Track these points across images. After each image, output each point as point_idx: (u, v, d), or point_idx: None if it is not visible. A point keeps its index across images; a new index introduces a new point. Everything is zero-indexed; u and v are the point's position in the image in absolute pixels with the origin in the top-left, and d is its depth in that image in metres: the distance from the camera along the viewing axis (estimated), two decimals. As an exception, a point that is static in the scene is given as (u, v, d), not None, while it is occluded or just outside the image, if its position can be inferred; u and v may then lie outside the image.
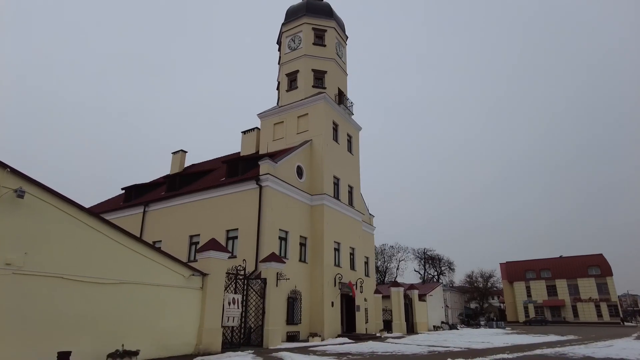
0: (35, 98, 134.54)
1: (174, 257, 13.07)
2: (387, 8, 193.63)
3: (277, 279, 17.07)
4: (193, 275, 13.33)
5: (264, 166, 20.73)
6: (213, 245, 14.07)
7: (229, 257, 19.70)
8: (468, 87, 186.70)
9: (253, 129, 29.23)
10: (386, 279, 67.35)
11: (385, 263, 69.48)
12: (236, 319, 14.92)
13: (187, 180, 25.69)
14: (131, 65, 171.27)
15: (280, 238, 21.00)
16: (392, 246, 70.27)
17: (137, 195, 27.91)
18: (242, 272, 16.01)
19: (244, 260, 16.18)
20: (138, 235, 25.16)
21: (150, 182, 28.43)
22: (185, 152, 34.01)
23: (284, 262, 17.51)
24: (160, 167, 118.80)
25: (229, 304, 14.78)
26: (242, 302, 15.45)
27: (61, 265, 9.71)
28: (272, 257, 17.13)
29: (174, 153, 33.93)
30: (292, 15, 30.21)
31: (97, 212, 29.41)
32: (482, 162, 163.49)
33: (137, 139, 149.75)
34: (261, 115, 28.47)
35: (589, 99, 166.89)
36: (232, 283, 15.42)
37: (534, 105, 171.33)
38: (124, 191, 29.23)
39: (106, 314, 10.53)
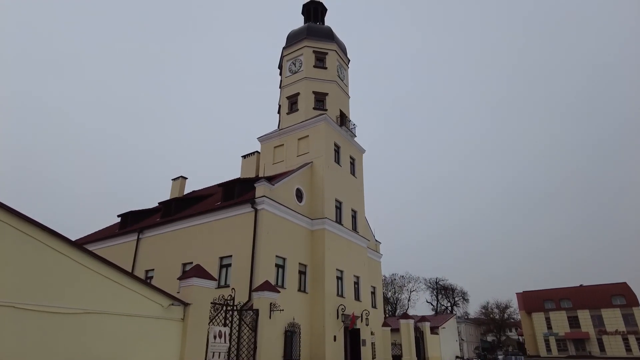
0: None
1: (151, 285, 11.82)
2: (395, 20, 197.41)
3: (271, 310, 15.61)
4: (173, 304, 12.01)
5: (260, 188, 19.69)
6: (197, 271, 12.82)
7: (219, 286, 18.56)
8: (469, 90, 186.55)
9: (253, 153, 28.47)
10: (397, 311, 64.44)
11: (396, 294, 66.73)
12: (222, 354, 13.42)
13: (183, 205, 24.73)
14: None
15: (278, 265, 19.63)
16: (403, 276, 67.72)
17: (132, 222, 26.97)
18: (231, 302, 14.62)
19: (233, 289, 14.83)
20: (131, 264, 24.24)
21: (147, 209, 27.53)
22: (186, 178, 33.32)
23: (279, 292, 16.09)
24: (161, 195, 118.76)
25: (215, 337, 13.37)
26: (230, 336, 14.00)
27: (12, 292, 8.56)
28: (265, 286, 15.75)
29: (173, 179, 33.25)
30: (293, 39, 30.05)
31: (92, 240, 28.56)
32: (491, 187, 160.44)
33: (137, 165, 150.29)
34: (261, 139, 27.76)
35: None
36: (220, 315, 14.03)
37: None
38: (120, 218, 28.35)
39: (67, 350, 9.24)
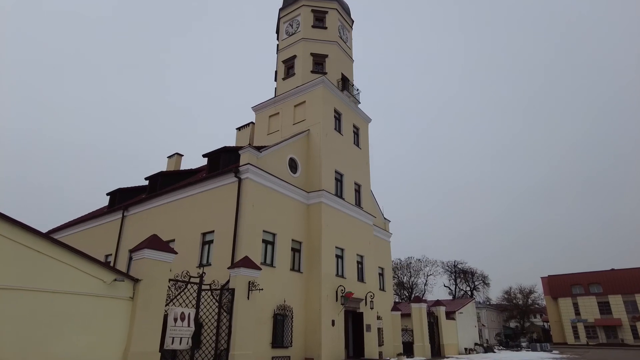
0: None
1: (90, 257, 9.76)
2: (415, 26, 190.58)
3: (249, 290, 13.44)
4: (117, 280, 9.98)
5: (245, 155, 17.42)
6: (150, 242, 10.71)
7: (200, 265, 16.50)
8: (495, 89, 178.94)
9: (248, 124, 26.20)
10: (414, 295, 61.92)
11: (412, 278, 64.07)
12: (185, 340, 11.37)
13: (170, 180, 22.74)
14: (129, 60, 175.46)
15: (266, 242, 17.44)
16: (419, 259, 64.88)
17: (121, 200, 25.28)
18: (199, 280, 12.50)
19: (202, 265, 12.71)
20: (115, 243, 22.54)
21: (135, 186, 25.76)
22: (181, 155, 31.35)
23: (260, 269, 13.89)
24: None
25: (176, 320, 11.31)
26: (196, 319, 11.92)
27: None
28: (243, 262, 13.56)
29: (169, 157, 31.34)
30: (289, -2, 27.39)
31: (82, 220, 27.10)
32: (521, 164, 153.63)
33: (133, 143, 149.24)
34: (256, 108, 25.43)
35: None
36: (184, 294, 11.93)
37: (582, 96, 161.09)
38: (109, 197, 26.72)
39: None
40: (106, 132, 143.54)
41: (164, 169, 28.03)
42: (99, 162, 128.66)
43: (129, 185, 26.28)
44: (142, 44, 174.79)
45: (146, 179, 23.21)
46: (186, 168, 26.45)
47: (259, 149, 18.67)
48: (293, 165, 20.31)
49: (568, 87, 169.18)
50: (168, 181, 22.43)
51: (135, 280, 10.36)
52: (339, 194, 21.90)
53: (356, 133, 25.21)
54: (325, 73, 24.10)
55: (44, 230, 29.44)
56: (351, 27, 28.67)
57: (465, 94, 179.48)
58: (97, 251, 23.53)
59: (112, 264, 22.19)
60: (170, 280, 11.30)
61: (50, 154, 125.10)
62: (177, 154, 31.00)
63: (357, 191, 23.93)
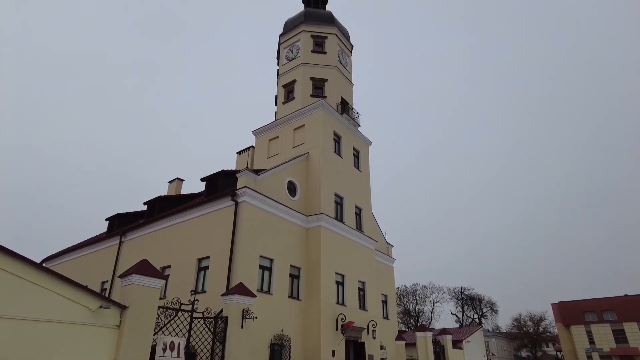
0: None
1: (74, 282, 9.39)
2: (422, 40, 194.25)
3: (243, 318, 12.89)
4: (102, 307, 9.54)
5: (242, 178, 17.20)
6: (139, 268, 10.32)
7: (196, 292, 15.96)
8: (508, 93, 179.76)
9: (248, 148, 26.14)
10: (420, 323, 60.08)
11: (418, 305, 62.35)
12: (174, 372, 10.78)
13: (168, 205, 22.49)
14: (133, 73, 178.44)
15: (263, 267, 16.94)
16: (425, 286, 63.31)
17: (119, 226, 24.98)
18: (191, 307, 12.00)
19: (192, 291, 12.23)
20: (112, 270, 22.10)
21: (134, 211, 25.52)
22: (182, 180, 31.26)
23: (254, 296, 13.36)
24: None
25: (164, 349, 10.76)
26: (186, 349, 11.35)
27: None
28: (237, 289, 13.07)
29: (170, 182, 31.25)
30: (290, 25, 27.90)
31: (81, 246, 26.72)
32: (524, 185, 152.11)
33: (138, 169, 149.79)
34: (256, 132, 25.44)
35: None
36: (175, 322, 11.42)
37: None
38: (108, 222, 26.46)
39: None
40: (109, 157, 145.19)
41: (165, 194, 27.82)
42: (103, 188, 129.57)
43: (129, 211, 26.06)
44: (148, 65, 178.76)
45: (145, 203, 22.99)
46: (187, 193, 26.24)
47: (257, 172, 18.47)
48: (292, 188, 20.04)
49: (576, 96, 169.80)
50: (166, 206, 22.19)
51: (122, 307, 9.91)
52: (339, 217, 21.49)
53: (356, 156, 25.02)
54: (325, 97, 24.19)
55: (45, 256, 29.16)
56: (350, 51, 29.02)
57: (476, 95, 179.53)
58: (93, 278, 23.13)
59: (108, 291, 21.69)
60: (159, 307, 10.83)
61: (58, 177, 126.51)
62: (177, 178, 30.90)
63: (358, 215, 23.51)
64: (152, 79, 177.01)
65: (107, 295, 20.60)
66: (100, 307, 9.52)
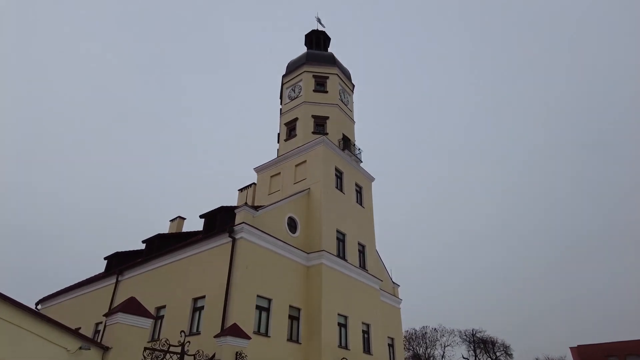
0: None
1: (53, 321, 8.91)
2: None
3: (236, 362, 12.11)
4: (82, 348, 9.00)
5: (240, 214, 16.89)
6: (125, 306, 9.85)
7: (190, 334, 15.26)
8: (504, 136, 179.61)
9: (250, 185, 26.00)
10: (432, 370, 56.93)
11: (428, 349, 59.31)
12: (159, 422, 9.98)
13: (167, 243, 22.05)
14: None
15: (260, 307, 16.21)
16: (435, 329, 60.53)
17: (117, 265, 24.45)
18: (181, 349, 11.30)
19: (182, 331, 11.56)
20: (107, 310, 21.34)
21: (133, 250, 25.08)
22: (184, 218, 30.94)
23: (249, 338, 12.65)
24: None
25: (150, 398, 10.03)
26: (174, 397, 10.56)
27: None
28: (230, 330, 12.41)
29: (171, 220, 30.94)
30: (292, 66, 28.65)
31: (80, 285, 26.10)
32: (545, 228, 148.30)
33: (138, 209, 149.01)
34: (258, 169, 25.43)
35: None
36: (162, 366, 10.71)
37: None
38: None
39: None
40: (112, 196, 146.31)
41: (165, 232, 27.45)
42: (105, 227, 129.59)
43: (128, 249, 25.63)
44: (151, 103, 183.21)
45: (143, 241, 22.61)
46: (187, 231, 25.87)
47: (256, 208, 18.17)
48: (292, 224, 19.64)
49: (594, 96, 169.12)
50: (165, 244, 21.76)
51: (105, 349, 9.36)
52: (342, 255, 20.86)
53: (359, 192, 24.72)
54: (327, 133, 24.30)
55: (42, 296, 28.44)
56: (352, 91, 29.51)
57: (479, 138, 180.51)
58: (88, 318, 22.38)
59: (101, 333, 20.83)
60: (146, 349, 10.22)
61: (60, 214, 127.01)
62: (179, 217, 30.56)
63: (361, 252, 22.83)
64: (153, 122, 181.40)
65: (100, 337, 19.78)
66: (80, 348, 9.02)
